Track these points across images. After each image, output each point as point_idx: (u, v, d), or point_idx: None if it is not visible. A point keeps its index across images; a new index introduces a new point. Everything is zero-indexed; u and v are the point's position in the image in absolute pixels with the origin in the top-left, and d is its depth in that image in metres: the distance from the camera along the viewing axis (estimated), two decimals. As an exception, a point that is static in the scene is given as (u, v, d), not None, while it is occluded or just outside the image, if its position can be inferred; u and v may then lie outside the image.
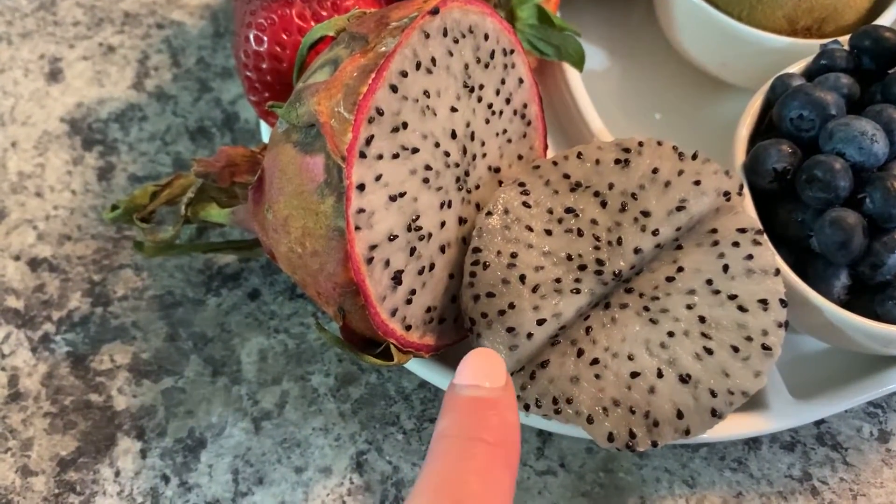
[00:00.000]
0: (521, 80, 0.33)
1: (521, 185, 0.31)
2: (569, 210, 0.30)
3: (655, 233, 0.29)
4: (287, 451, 0.35)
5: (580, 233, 0.30)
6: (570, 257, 0.30)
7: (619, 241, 0.29)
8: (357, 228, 0.26)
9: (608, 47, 0.43)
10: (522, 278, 0.29)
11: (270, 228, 0.29)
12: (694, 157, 0.30)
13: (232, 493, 0.34)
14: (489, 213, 0.30)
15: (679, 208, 0.29)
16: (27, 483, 0.34)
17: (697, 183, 0.29)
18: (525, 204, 0.30)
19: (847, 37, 0.34)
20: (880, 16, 0.35)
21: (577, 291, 0.29)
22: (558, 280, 0.29)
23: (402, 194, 0.28)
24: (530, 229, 0.30)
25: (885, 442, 0.34)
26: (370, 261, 0.27)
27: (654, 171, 0.30)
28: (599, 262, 0.29)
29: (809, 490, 0.33)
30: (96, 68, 0.45)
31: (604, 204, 0.30)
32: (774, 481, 0.34)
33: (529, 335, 0.29)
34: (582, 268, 0.30)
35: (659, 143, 0.30)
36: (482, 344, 0.29)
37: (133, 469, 0.35)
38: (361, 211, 0.26)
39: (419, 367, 0.33)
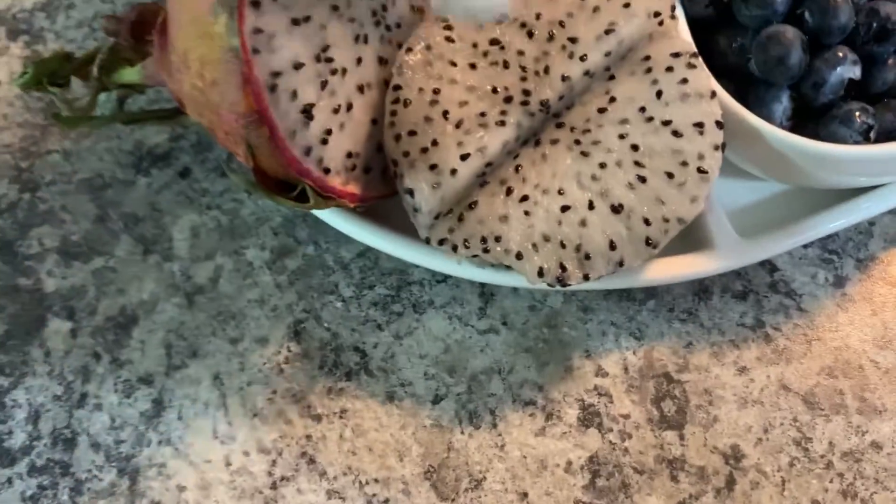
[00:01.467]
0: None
1: (444, 19, 0.29)
2: (494, 42, 0.29)
3: (583, 58, 0.28)
4: (222, 323, 0.34)
5: (506, 65, 0.28)
6: (495, 90, 0.28)
7: (546, 70, 0.28)
8: (255, 51, 0.25)
9: None
10: (445, 114, 0.28)
11: (175, 70, 0.27)
12: None
13: (165, 366, 0.33)
14: (409, 50, 0.28)
15: (608, 31, 0.28)
16: (-46, 366, 0.33)
17: (627, 6, 0.28)
18: (448, 39, 0.29)
19: None
20: None
21: (503, 124, 0.28)
22: (483, 114, 0.28)
23: (306, 19, 0.26)
24: (454, 64, 0.28)
25: (841, 287, 0.33)
26: (273, 88, 0.25)
27: None
28: (526, 92, 0.28)
29: (762, 337, 0.32)
30: (20, -42, 0.43)
31: (530, 34, 0.28)
32: (726, 330, 0.32)
33: (453, 171, 0.27)
34: (508, 100, 0.28)
35: None
36: (405, 184, 0.28)
37: (63, 348, 0.33)
38: (259, 31, 0.25)
39: (353, 227, 0.32)
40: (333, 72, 0.27)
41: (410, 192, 0.28)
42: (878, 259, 0.34)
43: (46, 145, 0.38)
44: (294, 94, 0.26)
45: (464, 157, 0.27)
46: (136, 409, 0.32)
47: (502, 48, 0.28)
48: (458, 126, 0.27)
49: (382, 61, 0.29)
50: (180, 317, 0.34)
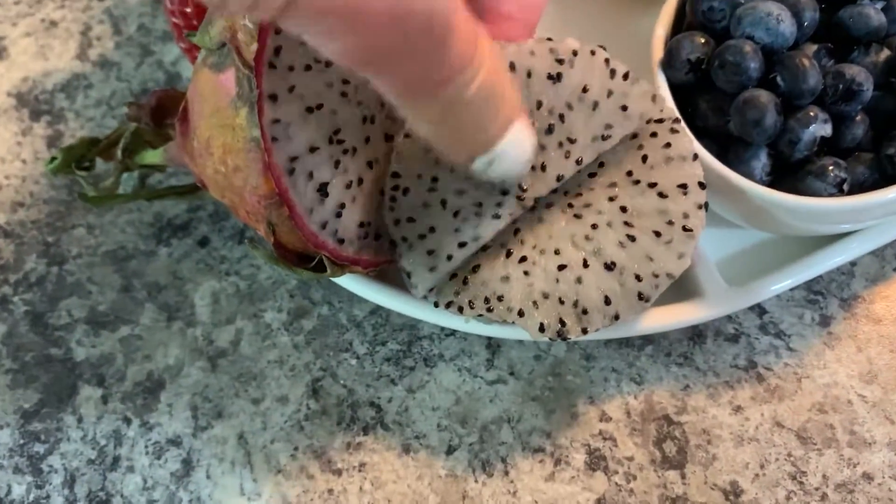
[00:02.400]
0: None
1: None
2: None
3: (579, 161, 0.30)
4: (244, 384, 0.36)
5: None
6: (493, 184, 0.30)
7: (543, 168, 0.30)
8: (274, 139, 0.27)
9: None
10: (444, 202, 0.30)
11: (197, 155, 0.29)
12: (625, 76, 0.30)
13: (192, 428, 0.35)
14: (407, 135, 0.30)
15: (604, 137, 0.30)
16: (-8, 436, 0.35)
17: (624, 108, 0.30)
18: None
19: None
20: None
21: (498, 217, 0.30)
22: (479, 204, 0.30)
23: (319, 106, 0.28)
24: None
25: (827, 326, 0.35)
26: (292, 171, 0.28)
27: (584, 89, 0.29)
28: (522, 188, 0.30)
29: (755, 377, 0.34)
30: (40, 43, 0.46)
31: (532, 123, 0.30)
32: (720, 372, 0.34)
33: (449, 257, 0.30)
34: (504, 192, 0.30)
35: (592, 53, 0.30)
36: (403, 266, 0.30)
37: (95, 414, 0.35)
38: (277, 121, 0.27)
39: (366, 290, 0.34)
40: (345, 151, 0.29)
41: (408, 274, 0.30)
42: (861, 298, 0.36)
43: (72, 220, 0.40)
44: (310, 175, 0.28)
45: (461, 245, 0.29)
46: (166, 469, 0.34)
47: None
48: (455, 215, 0.29)
49: (388, 137, 0.31)
50: (205, 380, 0.36)
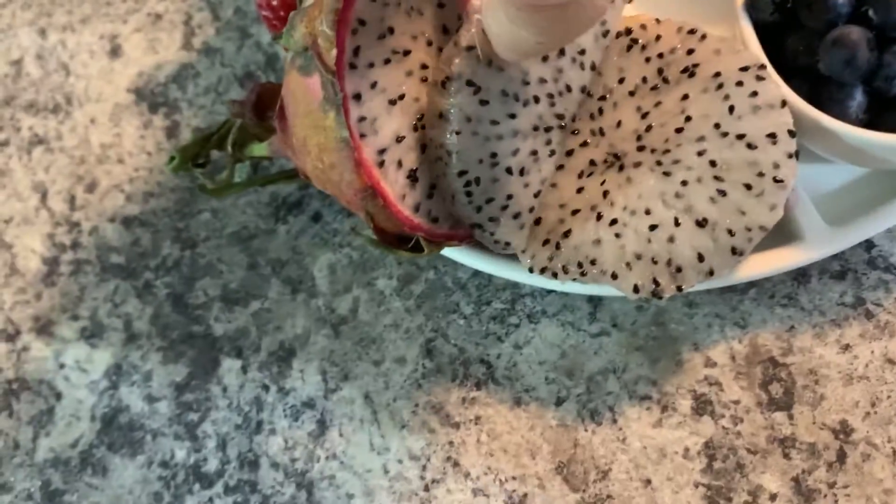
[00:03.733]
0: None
1: (469, 83, 0.30)
2: (517, 81, 0.30)
3: (593, 66, 0.31)
4: (365, 348, 0.38)
5: (536, 99, 0.30)
6: (535, 128, 0.31)
7: (569, 89, 0.30)
8: (362, 136, 0.29)
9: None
10: (509, 170, 0.31)
11: (297, 151, 0.32)
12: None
13: (323, 391, 0.38)
14: (456, 133, 0.30)
15: (604, 34, 0.30)
16: (153, 408, 0.40)
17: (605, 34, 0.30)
18: (481, 101, 0.30)
19: None
20: None
21: (552, 153, 0.31)
22: (535, 152, 0.31)
23: (401, 97, 0.30)
24: (496, 122, 0.30)
25: (942, 255, 0.34)
26: (382, 164, 0.29)
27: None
28: (559, 116, 0.31)
29: (864, 314, 0.34)
30: (149, 37, 0.49)
31: (545, 57, 0.30)
32: (827, 311, 0.34)
33: (531, 209, 0.31)
34: (548, 129, 0.31)
35: None
36: (498, 238, 0.31)
37: (237, 384, 0.39)
38: (363, 119, 0.29)
39: (466, 257, 0.35)
40: (430, 134, 0.31)
41: (506, 244, 0.31)
42: (980, 223, 0.34)
43: (197, 206, 0.44)
44: (399, 164, 0.30)
45: (536, 195, 0.30)
46: (303, 430, 0.38)
47: (527, 83, 0.30)
48: (521, 173, 0.30)
49: (472, 112, 0.32)
50: (330, 346, 0.39)
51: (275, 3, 0.36)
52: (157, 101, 0.47)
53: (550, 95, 0.31)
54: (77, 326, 0.42)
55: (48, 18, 0.51)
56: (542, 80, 0.31)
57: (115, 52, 0.49)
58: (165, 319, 0.42)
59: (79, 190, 0.46)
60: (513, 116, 0.31)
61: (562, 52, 0.30)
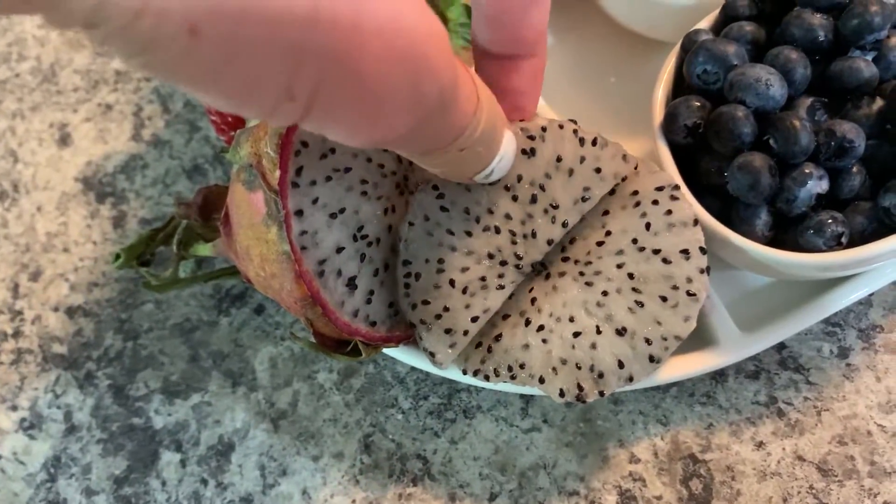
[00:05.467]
0: (449, 82, 0.36)
1: (435, 188, 0.33)
2: (483, 206, 0.33)
3: (565, 224, 0.32)
4: (304, 443, 0.39)
5: (497, 230, 0.32)
6: (491, 255, 0.32)
7: (534, 234, 0.32)
8: (303, 248, 0.30)
9: (551, 26, 0.45)
10: (452, 282, 0.32)
11: (241, 257, 0.33)
12: (594, 142, 0.32)
13: (261, 486, 0.39)
14: (411, 224, 0.33)
15: (584, 198, 0.32)
16: (91, 501, 0.40)
17: (598, 170, 0.32)
18: (442, 208, 0.32)
19: (749, -16, 0.35)
20: (781, -43, 0.37)
21: (502, 287, 0.32)
22: (483, 278, 0.32)
23: (342, 210, 0.31)
24: (451, 233, 0.32)
25: (845, 357, 0.37)
26: (321, 273, 0.31)
27: (558, 159, 0.32)
28: (518, 256, 0.32)
29: (776, 413, 0.36)
30: (98, 127, 0.50)
31: (515, 198, 0.32)
32: (742, 409, 0.36)
33: (466, 332, 0.32)
34: (503, 263, 0.32)
35: (560, 127, 0.32)
36: (425, 346, 0.33)
37: (176, 478, 0.40)
38: (304, 233, 0.30)
39: (405, 355, 0.37)
40: (369, 244, 0.32)
41: (431, 354, 0.32)
42: (879, 327, 0.37)
43: (141, 297, 0.44)
44: (339, 273, 0.31)
45: (473, 320, 0.32)
46: (241, 525, 0.38)
47: (491, 212, 0.32)
48: (464, 292, 0.32)
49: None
50: (269, 440, 0.40)
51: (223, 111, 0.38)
52: (105, 191, 0.48)
53: (513, 233, 0.32)
54: (16, 417, 0.42)
55: (-2, 105, 0.52)
56: (508, 217, 0.32)
57: (64, 140, 0.50)
58: (106, 411, 0.42)
59: (23, 278, 0.46)
60: (469, 234, 0.32)
61: (534, 200, 0.32)
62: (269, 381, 0.41)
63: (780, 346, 0.37)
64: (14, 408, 0.42)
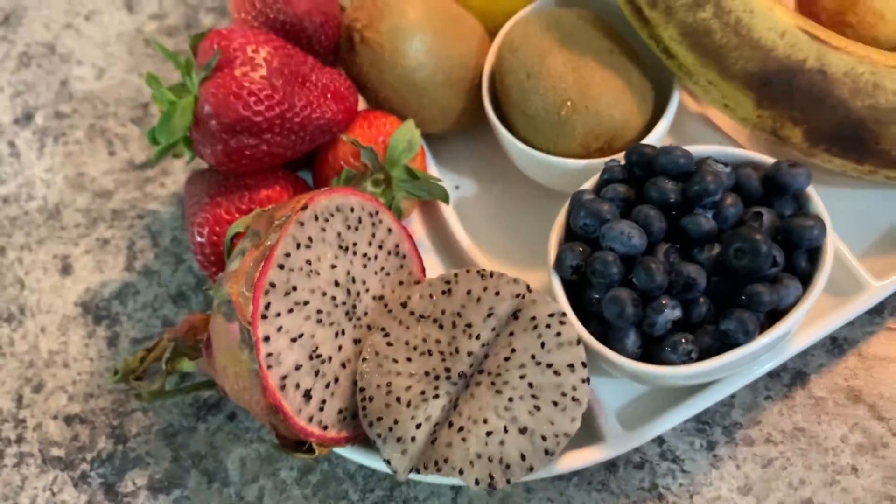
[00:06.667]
0: (389, 230, 0.45)
1: (382, 329, 0.42)
2: (419, 337, 0.42)
3: (478, 337, 0.41)
4: (268, 531, 0.46)
5: (430, 353, 0.41)
6: (427, 373, 0.41)
7: (457, 350, 0.41)
8: (269, 367, 0.38)
9: (477, 177, 0.56)
10: (398, 399, 0.41)
11: (219, 373, 0.41)
12: (492, 275, 0.41)
13: (231, 569, 0.45)
14: (364, 360, 0.41)
15: (489, 315, 0.41)
16: (82, 586, 0.46)
17: (497, 293, 0.41)
18: (388, 343, 0.42)
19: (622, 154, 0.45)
20: (647, 135, 0.47)
21: (437, 396, 0.41)
22: (423, 392, 0.41)
23: (300, 335, 0.40)
24: (395, 361, 0.41)
25: (712, 450, 0.45)
26: (283, 387, 0.39)
27: (468, 292, 0.41)
28: (447, 370, 0.41)
29: (657, 497, 0.44)
30: (96, 259, 0.59)
31: (441, 326, 0.41)
32: (630, 494, 0.44)
33: (413, 438, 0.40)
34: (437, 377, 0.41)
35: (467, 272, 0.42)
36: (383, 455, 0.40)
37: (157, 563, 0.46)
38: (270, 354, 0.38)
39: (353, 454, 0.44)
40: (322, 361, 0.41)
41: (388, 462, 0.40)
42: (739, 424, 0.45)
43: (131, 406, 0.52)
44: (297, 385, 0.39)
45: (418, 426, 0.40)
46: None
47: (425, 340, 0.41)
48: (408, 405, 0.40)
49: (357, 341, 0.43)
50: (238, 529, 0.47)
51: (208, 251, 0.47)
52: (101, 315, 0.56)
53: (442, 353, 0.41)
54: (16, 514, 0.49)
55: (8, 238, 0.61)
56: (438, 341, 0.41)
57: (66, 270, 0.59)
58: (97, 507, 0.48)
59: (26, 390, 0.53)
60: (409, 360, 0.41)
61: (454, 325, 0.41)
62: (239, 477, 0.48)
63: (661, 441, 0.45)
64: (15, 505, 0.49)
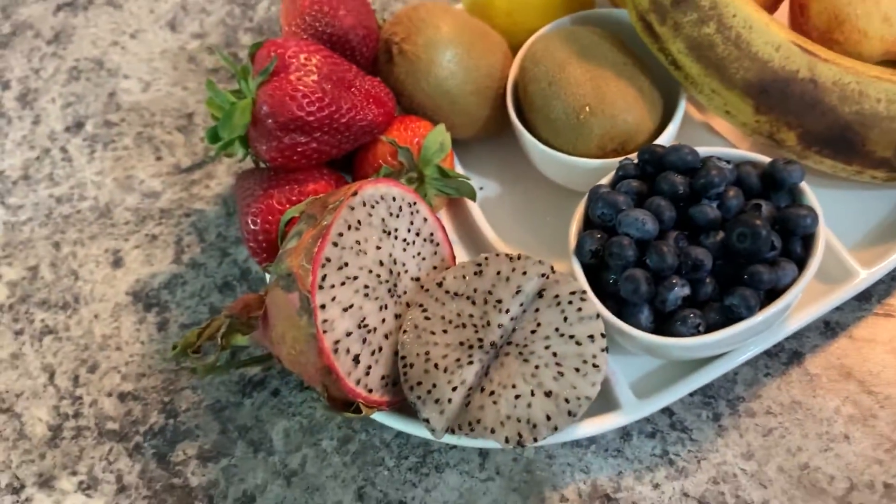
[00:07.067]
0: (425, 219, 0.50)
1: (421, 305, 0.47)
2: (454, 312, 0.46)
3: (507, 311, 0.46)
4: (311, 495, 0.50)
5: (464, 325, 0.46)
6: (461, 343, 0.46)
7: (488, 323, 0.46)
8: (324, 332, 0.43)
9: (500, 179, 0.61)
10: (436, 366, 0.45)
11: (275, 342, 0.45)
12: (519, 257, 0.46)
13: (277, 528, 0.49)
14: (405, 331, 0.46)
15: (517, 292, 0.46)
16: (139, 544, 0.50)
17: (525, 273, 0.46)
18: (426, 317, 0.46)
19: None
20: (657, 138, 0.53)
21: (471, 363, 0.45)
22: (458, 360, 0.45)
23: (350, 306, 0.44)
24: (433, 333, 0.46)
25: (717, 420, 0.49)
26: (336, 350, 0.43)
27: (498, 273, 0.46)
28: (480, 340, 0.46)
29: (667, 462, 0.48)
30: (146, 253, 0.63)
31: (473, 302, 0.46)
32: (643, 460, 0.49)
33: (450, 400, 0.45)
34: (470, 347, 0.46)
35: (497, 255, 0.47)
36: (421, 415, 0.45)
37: (208, 524, 0.50)
38: (325, 321, 0.43)
39: (391, 420, 0.49)
40: (369, 331, 0.45)
41: (427, 421, 0.45)
42: (741, 397, 0.50)
43: (180, 383, 0.56)
44: (348, 350, 0.44)
45: (454, 389, 0.44)
46: (261, 559, 0.49)
47: (459, 315, 0.46)
48: (445, 371, 0.45)
49: (398, 316, 0.47)
50: (283, 493, 0.51)
51: (260, 238, 0.52)
52: (151, 303, 0.61)
53: (475, 325, 0.46)
54: (75, 480, 0.53)
55: (62, 234, 0.65)
56: (471, 315, 0.46)
57: (117, 263, 0.63)
58: (151, 474, 0.53)
59: (82, 371, 0.58)
60: (445, 332, 0.46)
61: (486, 301, 0.46)
62: (284, 447, 0.52)
63: (671, 413, 0.50)
64: (74, 473, 0.53)
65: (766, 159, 0.49)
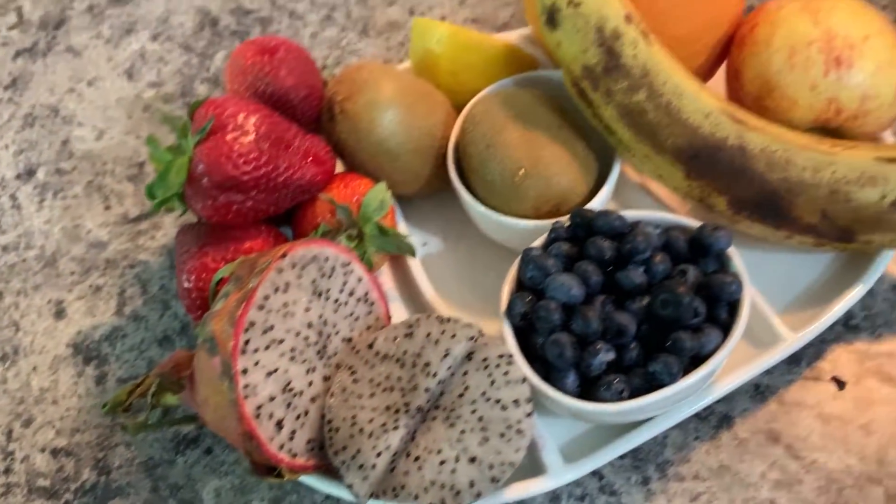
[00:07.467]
0: (359, 279, 0.50)
1: (350, 367, 0.47)
2: (382, 375, 0.47)
3: (435, 375, 0.46)
4: (239, 556, 0.50)
5: (391, 389, 0.46)
6: (387, 407, 0.46)
7: (416, 387, 0.46)
8: (246, 397, 0.43)
9: (444, 235, 0.61)
10: (362, 431, 0.45)
11: (200, 405, 0.45)
12: (449, 320, 0.47)
13: (202, 591, 0.49)
14: (332, 395, 0.46)
15: (445, 355, 0.46)
16: None
17: (454, 336, 0.46)
18: (354, 380, 0.46)
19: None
20: (592, 200, 0.53)
21: (396, 427, 0.45)
22: (384, 424, 0.45)
23: (275, 370, 0.44)
24: (360, 396, 0.46)
25: (647, 485, 0.49)
26: (258, 416, 0.43)
27: (428, 335, 0.46)
28: (406, 404, 0.46)
29: (596, 526, 0.48)
30: (88, 304, 0.63)
31: (402, 365, 0.46)
32: (572, 524, 0.48)
33: (374, 465, 0.45)
34: (397, 411, 0.46)
35: (428, 317, 0.47)
36: (345, 481, 0.45)
37: (134, 586, 0.49)
38: (247, 386, 0.43)
39: (319, 483, 0.49)
40: (294, 395, 0.45)
41: (350, 486, 0.45)
42: (670, 461, 0.50)
43: (115, 439, 0.56)
44: (271, 415, 0.44)
45: (378, 455, 0.44)
46: None
47: (387, 377, 0.46)
48: (370, 436, 0.45)
49: (326, 378, 0.47)
50: (211, 554, 0.50)
51: (194, 296, 0.52)
52: (91, 355, 0.60)
53: (402, 389, 0.46)
54: (2, 539, 0.52)
55: (5, 284, 0.65)
56: (399, 378, 0.46)
57: (59, 314, 0.63)
58: (79, 533, 0.52)
59: (16, 425, 0.57)
60: (372, 395, 0.46)
61: (414, 364, 0.46)
62: (214, 507, 0.52)
63: (600, 477, 0.50)
64: (2, 531, 0.52)
65: (696, 224, 0.50)
